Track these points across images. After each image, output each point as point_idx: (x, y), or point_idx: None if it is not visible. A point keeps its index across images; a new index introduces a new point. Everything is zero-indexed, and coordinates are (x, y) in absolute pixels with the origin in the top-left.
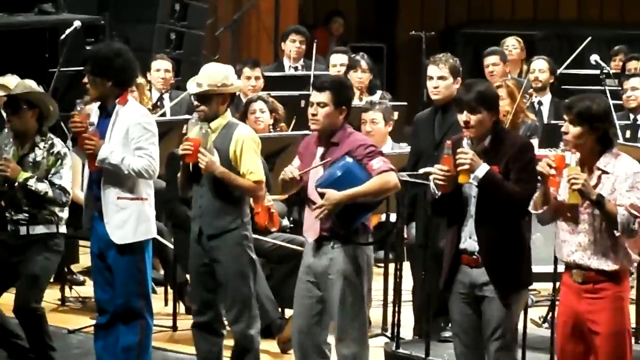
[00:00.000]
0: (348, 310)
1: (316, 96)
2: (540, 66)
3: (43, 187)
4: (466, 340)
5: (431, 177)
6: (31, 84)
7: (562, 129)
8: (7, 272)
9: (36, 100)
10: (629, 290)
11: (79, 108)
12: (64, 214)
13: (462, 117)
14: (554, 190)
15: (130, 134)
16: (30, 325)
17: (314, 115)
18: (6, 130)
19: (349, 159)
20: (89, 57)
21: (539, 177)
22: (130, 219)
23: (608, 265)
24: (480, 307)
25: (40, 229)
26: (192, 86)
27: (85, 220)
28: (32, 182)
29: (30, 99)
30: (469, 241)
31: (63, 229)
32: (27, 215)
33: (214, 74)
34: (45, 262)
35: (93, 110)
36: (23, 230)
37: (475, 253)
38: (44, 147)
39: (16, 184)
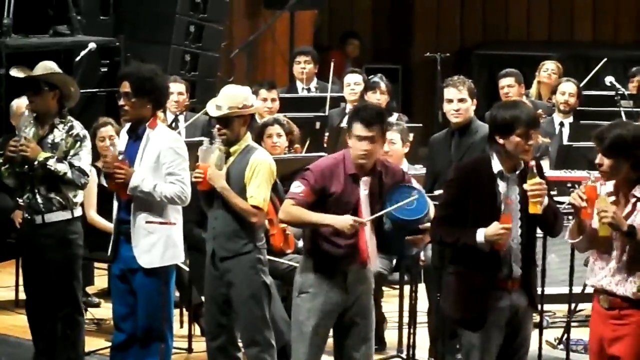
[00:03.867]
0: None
1: (364, 130)
2: (570, 89)
3: (62, 167)
4: None
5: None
6: (52, 66)
7: (597, 161)
8: (36, 269)
9: (57, 81)
10: None
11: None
12: (79, 198)
13: None
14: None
15: (162, 158)
16: (73, 323)
17: (366, 150)
18: (26, 112)
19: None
20: (128, 77)
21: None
22: (158, 243)
23: (633, 293)
24: (514, 329)
25: (55, 216)
26: (212, 109)
27: (112, 247)
28: (51, 162)
29: (51, 80)
30: (513, 265)
31: (78, 212)
32: (42, 200)
33: (234, 96)
34: (71, 264)
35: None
36: (38, 219)
37: (517, 276)
38: (63, 129)
39: (36, 163)
